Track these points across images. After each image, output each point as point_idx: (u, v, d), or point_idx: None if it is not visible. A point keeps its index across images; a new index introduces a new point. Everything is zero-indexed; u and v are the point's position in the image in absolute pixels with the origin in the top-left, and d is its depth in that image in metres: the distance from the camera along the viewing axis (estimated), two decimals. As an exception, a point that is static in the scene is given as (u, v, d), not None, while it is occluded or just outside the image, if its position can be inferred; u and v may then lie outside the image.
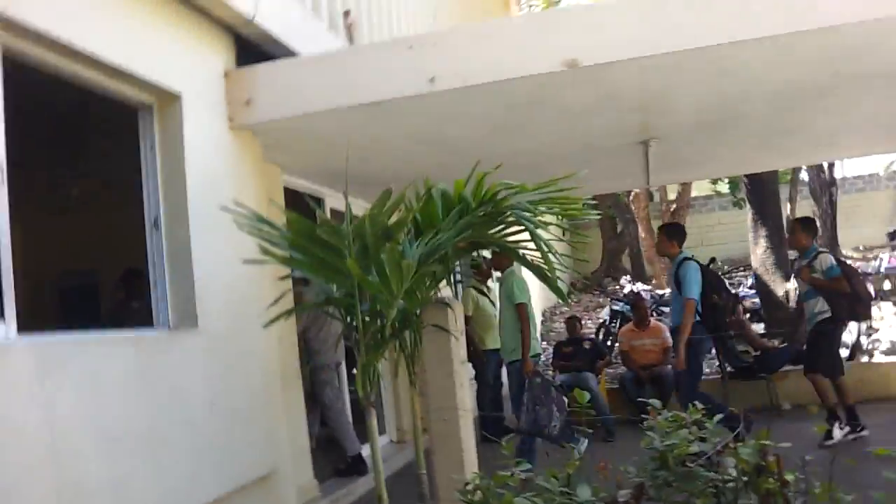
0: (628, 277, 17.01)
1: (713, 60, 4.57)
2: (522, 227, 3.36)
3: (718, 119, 6.13)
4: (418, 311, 3.52)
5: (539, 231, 3.25)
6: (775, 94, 5.53)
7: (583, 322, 10.17)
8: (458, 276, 9.39)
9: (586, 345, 9.11)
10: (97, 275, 7.22)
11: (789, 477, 2.32)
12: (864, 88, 5.54)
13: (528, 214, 3.30)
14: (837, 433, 6.48)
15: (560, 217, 3.57)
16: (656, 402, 2.71)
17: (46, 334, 3.44)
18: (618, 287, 16.54)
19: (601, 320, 12.76)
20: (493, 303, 8.18)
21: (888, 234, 16.71)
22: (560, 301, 16.94)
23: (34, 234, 6.14)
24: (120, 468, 3.55)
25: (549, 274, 3.31)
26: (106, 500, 3.45)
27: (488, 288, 8.27)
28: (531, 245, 3.38)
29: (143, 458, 3.73)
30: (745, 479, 2.42)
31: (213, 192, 4.58)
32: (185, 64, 4.49)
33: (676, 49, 4.29)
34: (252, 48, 5.09)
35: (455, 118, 5.26)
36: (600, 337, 11.92)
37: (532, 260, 3.48)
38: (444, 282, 3.78)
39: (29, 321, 3.38)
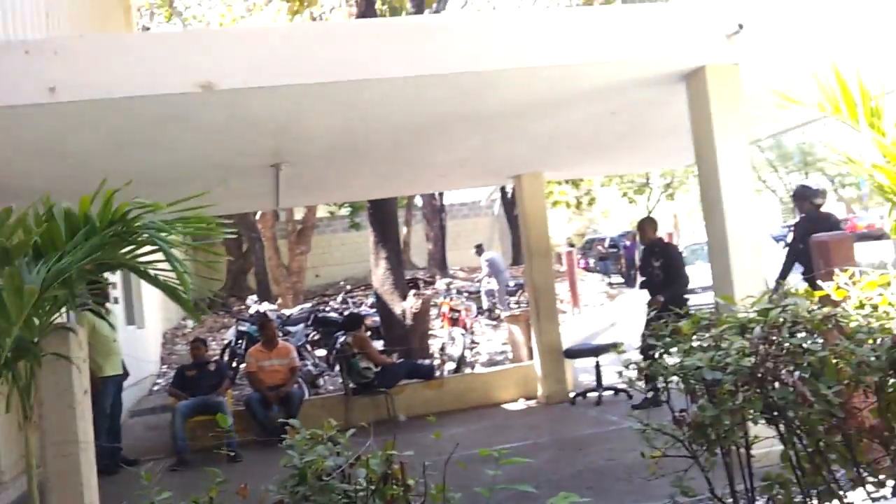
0: (254, 297, 16.92)
1: (341, 95, 4.87)
2: (156, 247, 3.26)
3: (347, 148, 6.51)
4: (36, 340, 3.24)
5: (173, 251, 3.18)
6: (397, 129, 6.03)
7: (207, 344, 9.93)
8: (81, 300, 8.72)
9: (211, 367, 8.90)
10: None
11: (411, 482, 2.58)
12: (471, 129, 6.30)
13: (163, 234, 3.21)
14: None
15: (191, 236, 3.52)
16: (295, 422, 2.82)
17: None
18: (244, 307, 16.38)
19: (226, 341, 12.56)
20: (112, 326, 7.70)
21: (475, 247, 18.80)
22: (183, 322, 16.39)
23: None
24: None
25: (183, 294, 3.25)
26: None
27: (107, 310, 7.76)
28: (161, 264, 3.29)
29: None
30: (373, 487, 2.63)
31: None
32: None
33: (307, 81, 4.51)
34: None
35: (80, 130, 4.90)
36: (225, 358, 11.74)
37: (164, 280, 3.39)
38: (66, 306, 3.50)
39: None
